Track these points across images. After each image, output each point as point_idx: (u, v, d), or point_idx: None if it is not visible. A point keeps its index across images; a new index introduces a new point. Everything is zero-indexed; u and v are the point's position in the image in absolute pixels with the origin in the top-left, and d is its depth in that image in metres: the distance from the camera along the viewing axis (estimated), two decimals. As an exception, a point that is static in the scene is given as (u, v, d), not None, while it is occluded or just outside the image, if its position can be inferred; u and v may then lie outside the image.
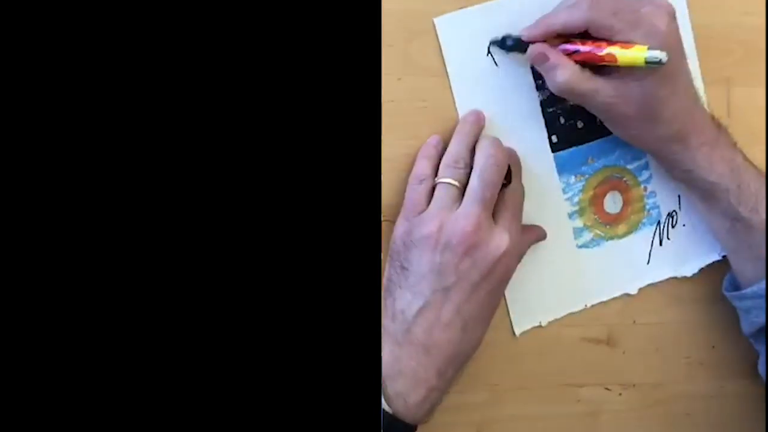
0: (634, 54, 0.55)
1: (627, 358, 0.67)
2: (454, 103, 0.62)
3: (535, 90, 0.63)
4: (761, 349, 0.64)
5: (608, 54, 0.56)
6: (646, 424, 0.68)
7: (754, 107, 0.66)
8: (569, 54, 0.58)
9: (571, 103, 0.63)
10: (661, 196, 0.66)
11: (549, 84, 0.59)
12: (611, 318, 0.67)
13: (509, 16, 0.61)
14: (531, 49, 0.58)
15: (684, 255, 0.67)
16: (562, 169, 0.64)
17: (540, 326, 0.65)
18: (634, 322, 0.67)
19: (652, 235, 0.67)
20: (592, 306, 0.66)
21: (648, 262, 0.67)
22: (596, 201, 0.65)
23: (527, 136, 0.63)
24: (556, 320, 0.66)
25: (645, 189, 0.66)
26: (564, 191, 0.65)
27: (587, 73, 0.57)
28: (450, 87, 0.61)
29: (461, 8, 0.61)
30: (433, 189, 0.59)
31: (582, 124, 0.64)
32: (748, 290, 0.62)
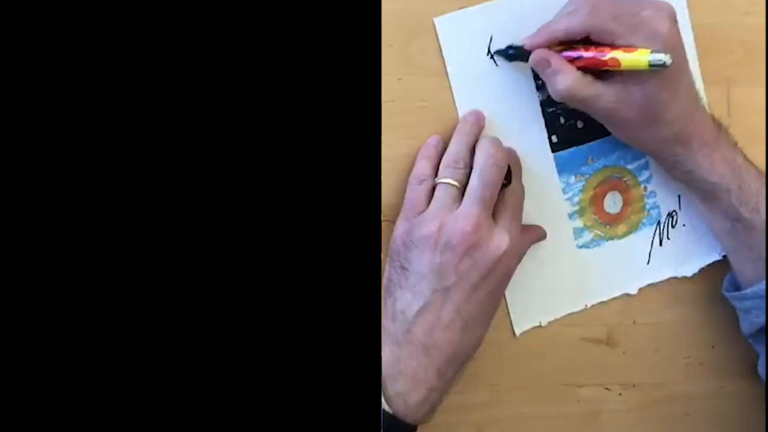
0: (638, 57, 0.55)
1: (627, 358, 0.67)
2: (454, 103, 0.62)
3: (535, 90, 0.63)
4: (761, 349, 0.64)
5: (611, 58, 0.56)
6: (646, 424, 0.68)
7: (754, 107, 0.66)
8: (572, 60, 0.58)
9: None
10: (661, 196, 0.66)
11: (551, 90, 0.59)
12: (611, 318, 0.67)
13: (509, 16, 0.61)
14: (533, 55, 0.58)
15: (684, 255, 0.67)
16: (562, 169, 0.64)
17: (540, 326, 0.65)
18: (634, 322, 0.67)
19: (652, 235, 0.67)
20: (592, 306, 0.66)
21: (648, 262, 0.67)
22: (596, 201, 0.65)
23: (527, 136, 0.63)
24: (556, 320, 0.66)
25: (645, 189, 0.66)
26: (564, 191, 0.65)
27: (589, 79, 0.57)
28: (450, 87, 0.61)
29: (461, 8, 0.61)
30: (433, 189, 0.59)
31: (582, 124, 0.64)
32: (749, 290, 0.62)
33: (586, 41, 0.57)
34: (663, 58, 0.55)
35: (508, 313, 0.64)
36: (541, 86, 0.62)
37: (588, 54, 0.57)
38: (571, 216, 0.65)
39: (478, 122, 0.61)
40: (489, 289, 0.58)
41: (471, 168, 0.59)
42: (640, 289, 0.67)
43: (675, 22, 0.57)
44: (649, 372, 0.68)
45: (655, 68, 0.55)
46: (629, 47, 0.56)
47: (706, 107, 0.63)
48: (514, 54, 0.61)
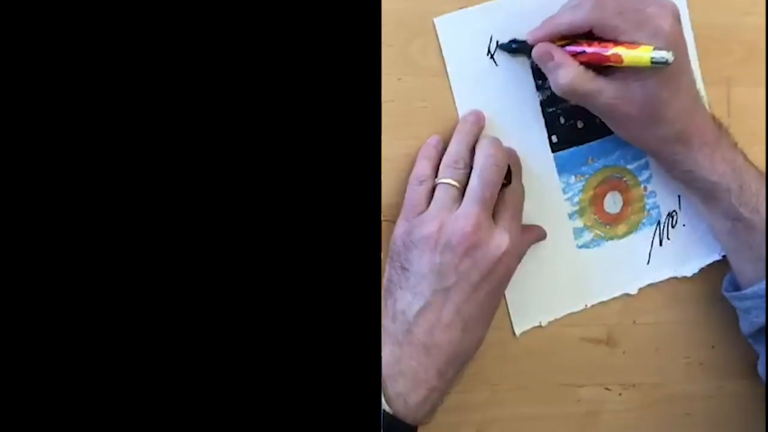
0: (640, 54, 0.55)
1: (627, 358, 0.67)
2: (454, 103, 0.62)
3: (535, 90, 0.63)
4: (761, 349, 0.64)
5: (614, 54, 0.56)
6: (646, 424, 0.68)
7: (754, 107, 0.66)
8: (575, 55, 0.58)
9: (572, 103, 0.63)
10: (661, 196, 0.66)
11: (552, 84, 0.59)
12: (611, 318, 0.67)
13: (509, 16, 0.61)
14: (536, 48, 0.58)
15: (684, 255, 0.67)
16: (562, 169, 0.64)
17: (540, 326, 0.65)
18: (634, 322, 0.67)
19: (652, 235, 0.67)
20: (592, 306, 0.66)
21: (648, 262, 0.67)
22: (596, 201, 0.65)
23: (527, 136, 0.63)
24: (556, 320, 0.66)
25: (645, 189, 0.66)
26: (564, 191, 0.65)
27: (591, 74, 0.57)
28: (450, 87, 0.61)
29: (461, 8, 0.61)
30: (433, 189, 0.59)
31: (582, 124, 0.64)
32: (748, 290, 0.62)
33: (589, 36, 0.57)
34: (665, 55, 0.55)
35: (508, 313, 0.64)
36: (541, 86, 0.63)
37: (591, 49, 0.57)
38: (571, 216, 0.65)
39: (478, 122, 0.61)
40: (489, 289, 0.58)
41: (471, 168, 0.59)
42: (640, 289, 0.67)
43: (678, 20, 0.57)
44: (649, 372, 0.68)
45: (657, 65, 0.55)
46: (632, 44, 0.56)
47: (707, 107, 0.63)
48: (517, 48, 0.61)
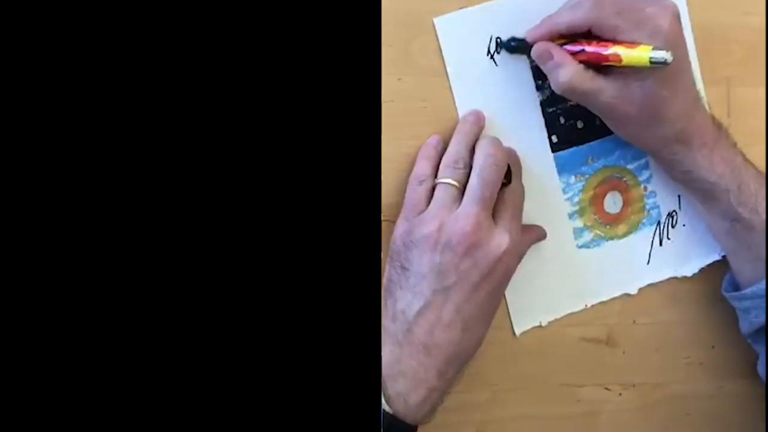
0: (639, 54, 0.55)
1: (627, 358, 0.67)
2: (454, 103, 0.62)
3: (535, 90, 0.63)
4: (760, 349, 0.64)
5: (613, 54, 0.56)
6: (646, 424, 0.68)
7: (754, 107, 0.66)
8: (574, 54, 0.58)
9: (571, 103, 0.63)
10: (661, 196, 0.66)
11: (552, 83, 0.59)
12: (611, 318, 0.67)
13: (509, 16, 0.61)
14: (536, 47, 0.58)
15: (684, 255, 0.67)
16: (562, 169, 0.64)
17: (540, 326, 0.65)
18: (634, 322, 0.67)
19: (652, 235, 0.67)
20: (592, 306, 0.66)
21: (648, 262, 0.67)
22: (596, 201, 0.65)
23: (527, 136, 0.63)
24: (556, 320, 0.66)
25: (645, 189, 0.66)
26: (564, 191, 0.65)
27: (590, 73, 0.57)
28: (450, 87, 0.61)
29: (461, 8, 0.61)
30: (433, 189, 0.59)
31: (582, 124, 0.64)
32: (748, 290, 0.62)
33: (588, 36, 0.57)
34: (664, 55, 0.55)
35: (508, 313, 0.64)
36: (541, 86, 0.63)
37: (590, 48, 0.57)
38: (571, 216, 0.65)
39: (478, 122, 0.61)
40: (489, 289, 0.58)
41: (471, 168, 0.59)
42: (640, 289, 0.67)
43: (678, 20, 0.57)
44: (649, 372, 0.68)
45: (656, 65, 0.55)
46: (631, 43, 0.56)
47: (707, 107, 0.63)
48: (516, 46, 0.61)
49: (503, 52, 0.61)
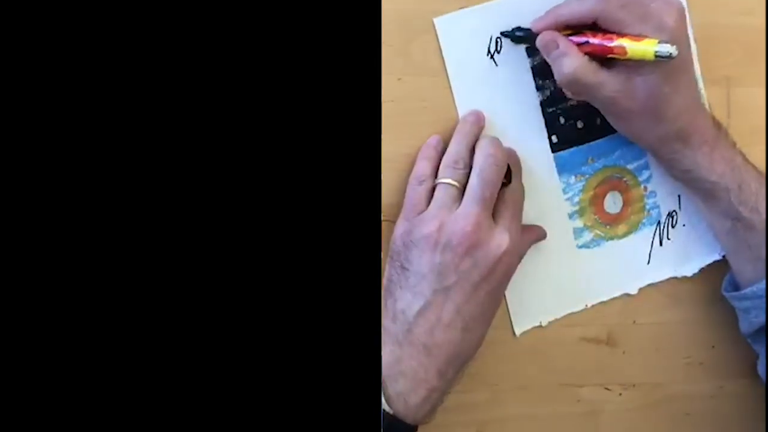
0: (644, 47, 0.55)
1: (627, 358, 0.67)
2: (454, 103, 0.62)
3: (535, 90, 0.63)
4: (760, 349, 0.64)
5: (618, 46, 0.56)
6: (646, 424, 0.68)
7: (754, 107, 0.66)
8: (579, 45, 0.57)
9: (572, 102, 0.63)
10: (661, 196, 0.66)
11: (555, 74, 0.58)
12: (611, 318, 0.66)
13: (509, 16, 0.61)
14: (541, 36, 0.58)
15: (684, 255, 0.67)
16: (562, 169, 0.64)
17: (540, 326, 0.65)
18: (634, 322, 0.67)
19: (652, 235, 0.66)
20: (592, 306, 0.66)
21: (648, 262, 0.67)
22: (596, 201, 0.65)
23: (527, 136, 0.63)
24: (556, 320, 0.66)
25: (645, 189, 0.66)
26: (564, 191, 0.65)
27: (594, 65, 0.57)
28: (450, 87, 0.61)
29: (461, 8, 0.61)
30: (433, 189, 0.59)
31: (582, 124, 0.64)
32: (748, 290, 0.62)
33: (593, 28, 0.57)
34: (669, 49, 0.55)
35: (508, 313, 0.64)
36: (541, 86, 0.63)
37: (595, 40, 0.57)
38: (571, 216, 0.65)
39: (478, 122, 0.61)
40: (489, 289, 0.58)
41: (471, 168, 0.59)
42: (640, 289, 0.67)
43: (683, 17, 0.57)
44: (649, 372, 0.68)
45: (661, 59, 0.55)
46: (636, 36, 0.56)
47: (707, 107, 0.63)
48: (521, 36, 0.60)
49: (503, 52, 0.61)
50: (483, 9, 0.61)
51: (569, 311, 0.66)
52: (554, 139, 0.64)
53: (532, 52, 0.61)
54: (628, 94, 0.57)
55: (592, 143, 0.64)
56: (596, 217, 0.65)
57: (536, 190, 0.63)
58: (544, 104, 0.63)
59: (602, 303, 0.66)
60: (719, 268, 0.66)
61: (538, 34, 0.59)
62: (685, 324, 0.68)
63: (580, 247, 0.65)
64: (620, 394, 0.67)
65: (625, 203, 0.66)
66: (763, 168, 0.63)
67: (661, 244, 0.67)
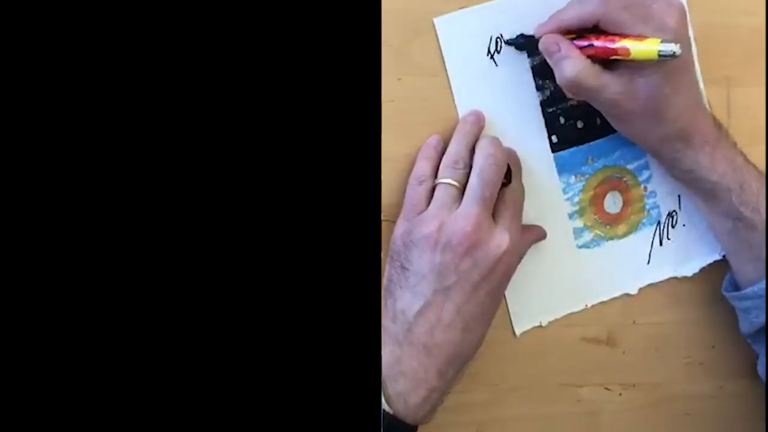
0: (648, 47, 0.55)
1: (627, 358, 0.67)
2: (454, 103, 0.62)
3: (535, 90, 0.63)
4: (760, 349, 0.64)
5: (621, 47, 0.56)
6: (646, 424, 0.68)
7: (754, 107, 0.66)
8: (582, 48, 0.57)
9: (572, 102, 0.63)
10: (661, 196, 0.66)
11: (558, 77, 0.58)
12: (611, 318, 0.66)
13: (509, 16, 0.61)
14: (543, 39, 0.58)
15: (684, 255, 0.67)
16: (562, 169, 0.64)
17: (540, 326, 0.65)
18: (634, 322, 0.67)
19: (652, 235, 0.66)
20: (592, 306, 0.66)
21: (648, 262, 0.67)
22: (596, 201, 0.65)
23: (527, 136, 0.63)
24: (556, 320, 0.66)
25: (645, 189, 0.66)
26: (564, 191, 0.65)
27: (596, 68, 0.57)
28: (450, 87, 0.61)
29: (461, 8, 0.61)
30: (433, 189, 0.59)
31: (582, 124, 0.64)
32: (748, 290, 0.62)
33: (596, 31, 0.57)
34: (673, 48, 0.55)
35: (508, 313, 0.64)
36: (541, 86, 0.63)
37: (598, 42, 0.57)
38: (571, 216, 0.65)
39: (478, 122, 0.61)
40: (489, 289, 0.58)
41: (471, 168, 0.59)
42: (640, 289, 0.67)
43: (684, 17, 0.57)
44: (649, 372, 0.68)
45: (664, 58, 0.55)
46: (639, 37, 0.56)
47: (707, 107, 0.63)
48: (525, 43, 0.60)
49: (503, 52, 0.61)
50: (483, 9, 0.61)
51: (569, 311, 0.66)
52: (554, 139, 0.64)
53: (532, 52, 0.61)
54: (629, 95, 0.57)
55: (592, 143, 0.64)
56: (596, 217, 0.65)
57: (536, 190, 0.63)
58: (544, 104, 0.63)
59: (602, 303, 0.66)
60: (719, 268, 0.66)
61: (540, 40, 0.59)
62: (685, 324, 0.68)
63: (580, 247, 0.65)
64: (620, 394, 0.67)
65: (625, 203, 0.66)
66: (763, 168, 0.63)
67: (661, 244, 0.67)
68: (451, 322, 0.57)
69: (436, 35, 0.61)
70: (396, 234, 0.59)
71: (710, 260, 0.67)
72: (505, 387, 0.65)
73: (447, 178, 0.59)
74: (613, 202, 0.66)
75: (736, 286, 0.64)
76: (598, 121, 0.63)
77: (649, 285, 0.67)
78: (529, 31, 0.60)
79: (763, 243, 0.61)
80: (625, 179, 0.66)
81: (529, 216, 0.63)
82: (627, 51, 0.56)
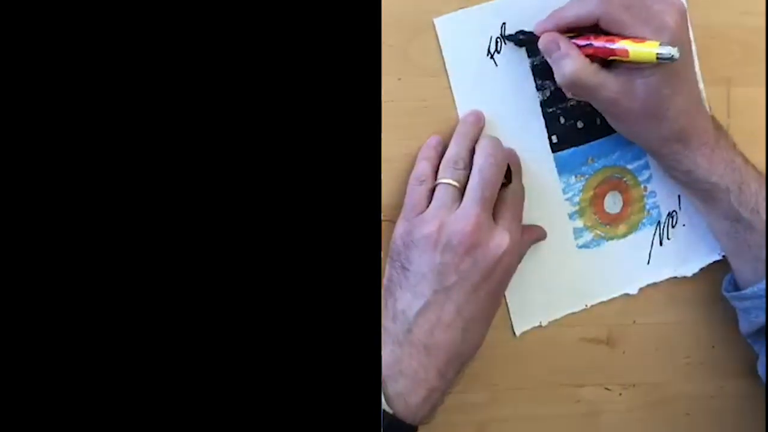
0: (646, 49, 0.55)
1: (627, 358, 0.67)
2: (454, 103, 0.62)
3: (535, 90, 0.63)
4: (760, 349, 0.64)
5: (620, 48, 0.56)
6: (646, 424, 0.68)
7: (754, 107, 0.66)
8: (581, 47, 0.57)
9: (572, 103, 0.63)
10: (661, 196, 0.66)
11: (556, 75, 0.58)
12: (611, 318, 0.66)
13: (509, 16, 0.61)
14: (543, 37, 0.58)
15: (684, 255, 0.67)
16: (562, 169, 0.64)
17: (540, 326, 0.65)
18: (634, 322, 0.67)
19: (652, 235, 0.66)
20: (592, 306, 0.66)
21: (648, 262, 0.67)
22: (596, 201, 0.65)
23: (527, 136, 0.63)
24: (556, 320, 0.66)
25: (645, 189, 0.66)
26: (564, 191, 0.65)
27: (595, 67, 0.57)
28: (450, 87, 0.61)
29: (461, 8, 0.61)
30: (434, 190, 0.59)
31: (582, 124, 0.64)
32: (748, 290, 0.62)
33: (595, 31, 0.57)
34: (671, 51, 0.55)
35: (508, 313, 0.64)
36: (540, 86, 0.63)
37: (597, 42, 0.57)
38: (571, 216, 0.65)
39: (478, 122, 0.61)
40: (489, 289, 0.58)
41: (471, 168, 0.59)
42: (640, 289, 0.67)
43: (684, 18, 0.57)
44: (649, 372, 0.68)
45: (663, 61, 0.55)
46: (638, 38, 0.56)
47: (707, 107, 0.63)
48: (524, 39, 0.60)
49: (503, 52, 0.61)
50: (483, 9, 0.61)
51: (569, 311, 0.66)
52: (554, 139, 0.64)
53: (532, 51, 0.61)
54: (628, 95, 0.57)
55: (592, 143, 0.64)
56: (596, 217, 0.65)
57: (536, 190, 0.63)
58: (544, 104, 0.63)
59: (602, 303, 0.66)
60: (719, 268, 0.66)
61: (539, 37, 0.59)
62: (685, 324, 0.68)
63: (580, 247, 0.65)
64: (620, 394, 0.67)
65: (625, 203, 0.66)
66: (763, 168, 0.63)
67: (661, 244, 0.67)
68: (451, 322, 0.57)
69: (436, 35, 0.61)
70: (396, 234, 0.59)
71: (710, 260, 0.67)
72: (505, 387, 0.65)
73: (447, 179, 0.59)
74: (613, 202, 0.66)
75: (736, 286, 0.64)
76: (598, 121, 0.63)
77: (649, 285, 0.67)
78: (535, 23, 0.60)
79: (763, 244, 0.61)
80: (625, 179, 0.66)
81: (529, 216, 0.62)
82: (626, 52, 0.56)
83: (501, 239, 0.57)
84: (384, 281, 0.59)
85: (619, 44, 0.56)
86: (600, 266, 0.66)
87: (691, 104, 0.59)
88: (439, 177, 0.59)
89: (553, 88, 0.62)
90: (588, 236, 0.65)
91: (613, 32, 0.57)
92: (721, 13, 0.65)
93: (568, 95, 0.60)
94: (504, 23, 0.61)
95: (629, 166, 0.65)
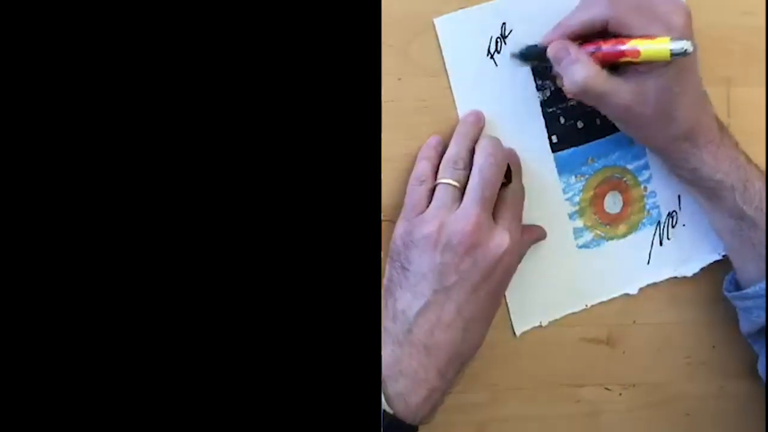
0: (659, 46, 0.54)
1: (627, 358, 0.67)
2: (454, 103, 0.62)
3: (535, 90, 0.63)
4: (761, 349, 0.64)
5: (631, 48, 0.55)
6: (646, 424, 0.68)
7: (754, 107, 0.66)
8: (590, 54, 0.57)
9: (572, 102, 0.63)
10: (661, 196, 0.66)
11: (567, 83, 0.57)
12: (611, 318, 0.66)
13: (509, 16, 0.61)
14: (551, 45, 0.57)
15: (684, 255, 0.67)
16: (562, 169, 0.64)
17: (540, 326, 0.65)
18: (634, 322, 0.67)
19: (652, 235, 0.66)
20: (592, 306, 0.66)
21: (648, 262, 0.67)
22: (596, 201, 0.65)
23: (527, 136, 0.63)
24: (556, 320, 0.66)
25: (645, 189, 0.66)
26: (564, 191, 0.65)
27: (605, 73, 0.56)
28: (450, 87, 0.61)
29: (461, 8, 0.61)
30: (434, 190, 0.59)
31: (582, 124, 0.64)
32: (750, 290, 0.62)
33: (603, 36, 0.57)
34: (684, 45, 0.54)
35: (508, 313, 0.64)
36: (541, 86, 0.63)
37: (606, 46, 0.56)
38: (571, 216, 0.65)
39: (478, 122, 0.61)
40: (489, 289, 0.58)
41: (471, 168, 0.59)
42: (640, 289, 0.67)
43: (690, 17, 0.57)
44: (649, 372, 0.68)
45: (677, 56, 0.54)
46: (648, 36, 0.55)
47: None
48: (532, 53, 0.59)
49: (503, 52, 0.61)
50: (483, 9, 0.61)
51: (569, 311, 0.66)
52: (554, 139, 0.64)
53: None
54: (640, 99, 0.57)
55: (592, 143, 0.64)
56: (596, 217, 0.65)
57: (536, 190, 0.63)
58: (544, 104, 0.63)
59: (602, 303, 0.66)
60: (720, 268, 0.66)
61: (546, 48, 0.58)
62: (686, 324, 0.68)
63: (580, 247, 0.65)
64: (620, 394, 0.67)
65: (625, 203, 0.66)
66: (764, 168, 0.63)
67: (661, 244, 0.67)
68: (451, 322, 0.57)
69: (436, 35, 0.61)
70: (396, 234, 0.59)
71: (710, 260, 0.67)
72: (505, 387, 0.65)
73: (447, 178, 0.59)
74: (613, 202, 0.66)
75: (737, 286, 0.64)
76: (598, 121, 0.63)
77: (649, 285, 0.67)
78: (527, 32, 0.60)
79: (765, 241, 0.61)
80: (625, 179, 0.66)
81: (529, 216, 0.63)
82: (637, 52, 0.55)
83: (501, 239, 0.57)
84: (384, 281, 0.59)
85: (630, 45, 0.55)
86: (600, 266, 0.66)
87: (698, 102, 0.59)
88: (439, 177, 0.59)
89: (553, 88, 0.62)
90: (588, 236, 0.65)
91: (620, 35, 0.56)
92: (721, 14, 0.65)
93: (576, 99, 0.59)
94: (504, 23, 0.61)
95: (629, 166, 0.65)
